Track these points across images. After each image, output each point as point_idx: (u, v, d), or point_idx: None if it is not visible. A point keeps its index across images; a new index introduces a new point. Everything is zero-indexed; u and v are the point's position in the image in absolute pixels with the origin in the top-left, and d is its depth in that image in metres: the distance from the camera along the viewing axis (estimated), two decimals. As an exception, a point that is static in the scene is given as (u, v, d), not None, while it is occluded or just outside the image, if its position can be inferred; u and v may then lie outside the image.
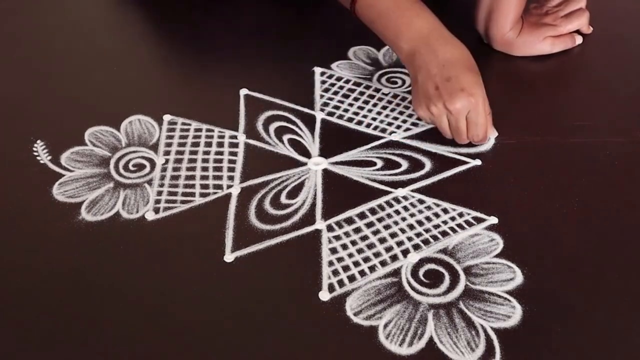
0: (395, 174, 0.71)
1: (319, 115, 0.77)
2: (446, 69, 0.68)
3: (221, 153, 0.73)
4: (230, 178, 0.70)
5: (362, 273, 0.62)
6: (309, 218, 0.66)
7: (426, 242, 0.64)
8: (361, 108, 0.78)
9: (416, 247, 0.64)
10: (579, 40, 0.86)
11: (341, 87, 0.81)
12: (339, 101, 0.79)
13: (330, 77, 0.82)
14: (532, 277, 0.61)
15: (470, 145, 0.73)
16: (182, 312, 0.59)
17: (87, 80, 0.82)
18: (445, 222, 0.66)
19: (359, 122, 0.77)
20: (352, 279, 0.61)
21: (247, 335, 0.57)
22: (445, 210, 0.67)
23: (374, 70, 0.83)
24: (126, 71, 0.84)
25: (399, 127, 0.76)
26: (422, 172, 0.71)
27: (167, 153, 0.73)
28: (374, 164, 0.72)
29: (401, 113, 0.77)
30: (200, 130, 0.75)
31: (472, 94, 0.68)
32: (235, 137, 0.75)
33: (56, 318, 0.59)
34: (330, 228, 0.66)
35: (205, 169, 0.71)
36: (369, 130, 0.76)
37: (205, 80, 0.83)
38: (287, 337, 0.57)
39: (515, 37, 0.83)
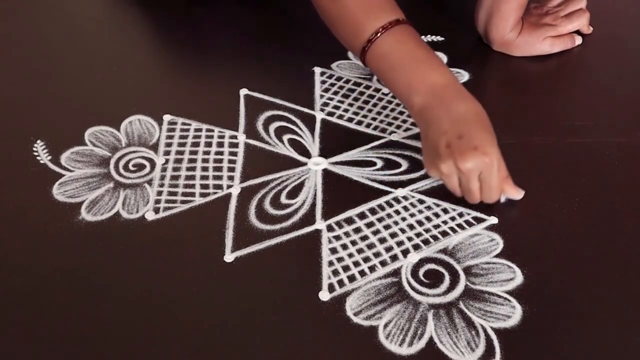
0: (395, 174, 0.71)
1: (319, 115, 0.77)
2: (459, 126, 0.62)
3: (221, 153, 0.73)
4: (230, 178, 0.70)
5: (362, 273, 0.62)
6: (309, 218, 0.66)
7: (426, 242, 0.64)
8: (361, 108, 0.78)
9: (416, 247, 0.64)
10: (578, 40, 0.86)
11: (341, 87, 0.81)
12: (339, 101, 0.79)
13: (330, 77, 0.82)
14: (532, 277, 0.61)
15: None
16: (182, 312, 0.59)
17: (87, 80, 0.82)
18: (445, 222, 0.66)
19: (359, 122, 0.77)
20: (352, 279, 0.61)
21: (247, 335, 0.57)
22: (445, 210, 0.67)
23: (374, 70, 0.83)
24: (126, 71, 0.84)
25: (399, 127, 0.76)
26: (422, 172, 0.70)
27: (167, 153, 0.73)
28: (374, 164, 0.72)
29: (401, 113, 0.77)
30: (200, 130, 0.75)
31: (486, 153, 0.61)
32: (235, 137, 0.75)
33: (56, 318, 0.58)
34: (330, 228, 0.66)
35: (205, 169, 0.71)
36: (369, 130, 0.76)
37: (205, 80, 0.83)
38: (287, 337, 0.57)
39: (515, 37, 0.83)
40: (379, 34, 0.66)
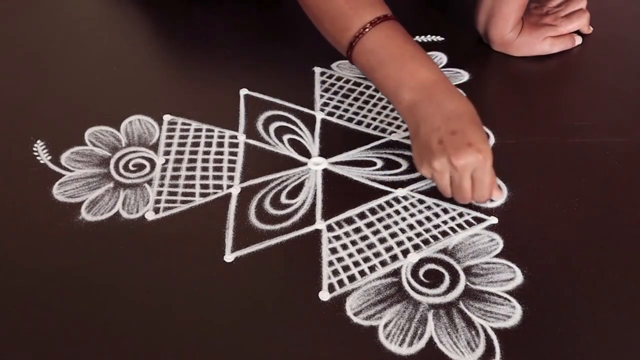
0: (395, 174, 0.71)
1: (319, 115, 0.77)
2: (452, 122, 0.61)
3: (221, 153, 0.73)
4: (230, 178, 0.70)
5: (362, 273, 0.62)
6: (309, 218, 0.66)
7: (426, 242, 0.64)
8: (361, 108, 0.78)
9: (416, 247, 0.64)
10: (578, 40, 0.86)
11: (341, 87, 0.81)
12: (339, 101, 0.79)
13: (330, 77, 0.82)
14: (532, 277, 0.61)
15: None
16: (182, 312, 0.59)
17: (87, 80, 0.82)
18: (445, 222, 0.66)
19: (359, 122, 0.77)
20: (352, 279, 0.61)
21: (247, 335, 0.57)
22: (445, 210, 0.67)
23: (374, 70, 0.83)
24: (126, 71, 0.84)
25: (399, 127, 0.76)
26: (422, 172, 0.71)
27: (167, 153, 0.73)
28: (374, 164, 0.72)
29: (401, 113, 0.77)
30: (200, 130, 0.75)
31: (480, 150, 0.61)
32: (235, 137, 0.75)
33: (56, 318, 0.59)
34: (330, 228, 0.66)
35: (205, 169, 0.71)
36: (369, 130, 0.76)
37: (205, 80, 0.83)
38: (287, 337, 0.57)
39: (515, 37, 0.83)
40: (367, 29, 0.65)
